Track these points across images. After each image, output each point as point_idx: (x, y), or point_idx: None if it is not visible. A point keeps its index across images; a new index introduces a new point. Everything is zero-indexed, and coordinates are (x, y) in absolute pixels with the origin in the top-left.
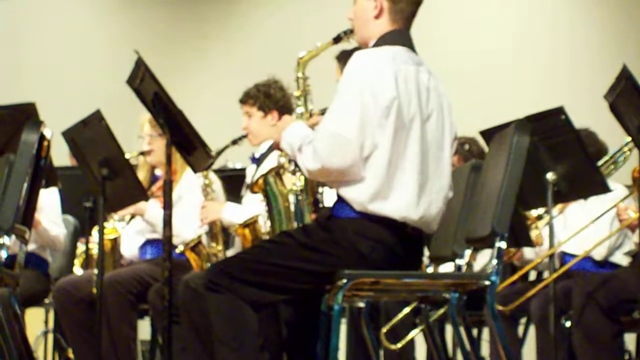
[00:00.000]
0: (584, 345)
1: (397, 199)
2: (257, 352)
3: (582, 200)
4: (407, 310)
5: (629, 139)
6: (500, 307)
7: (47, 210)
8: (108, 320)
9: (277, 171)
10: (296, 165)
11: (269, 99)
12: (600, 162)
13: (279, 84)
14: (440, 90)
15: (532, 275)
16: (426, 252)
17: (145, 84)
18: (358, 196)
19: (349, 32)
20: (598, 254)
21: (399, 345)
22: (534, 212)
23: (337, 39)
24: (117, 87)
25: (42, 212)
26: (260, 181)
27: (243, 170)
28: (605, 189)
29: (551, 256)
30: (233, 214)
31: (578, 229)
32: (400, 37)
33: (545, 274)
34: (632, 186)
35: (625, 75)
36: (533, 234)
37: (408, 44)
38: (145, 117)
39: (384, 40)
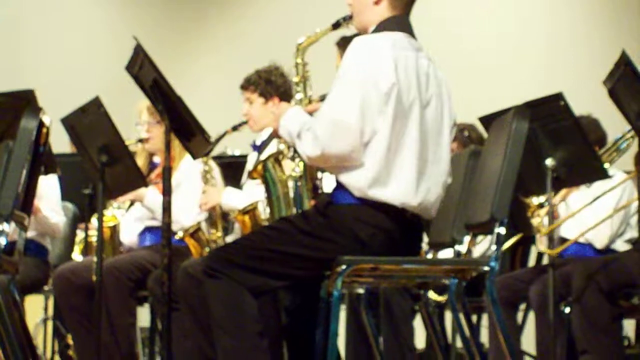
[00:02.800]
0: (583, 329)
1: (396, 185)
2: (256, 338)
3: (585, 188)
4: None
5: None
6: (548, 251)
7: (46, 198)
8: (107, 307)
9: (276, 157)
10: (295, 151)
11: (270, 85)
12: (603, 150)
13: (280, 70)
14: (440, 76)
15: (532, 261)
16: (425, 238)
17: (144, 71)
18: (357, 182)
19: (348, 18)
20: (600, 242)
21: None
22: (535, 200)
23: (336, 25)
24: (116, 74)
25: (42, 199)
26: (259, 167)
27: (242, 157)
28: (604, 175)
29: (550, 239)
30: (232, 198)
31: (579, 216)
32: (399, 23)
33: (545, 260)
34: (633, 171)
35: (624, 61)
36: (535, 221)
37: (408, 30)
38: (143, 104)
39: (384, 26)
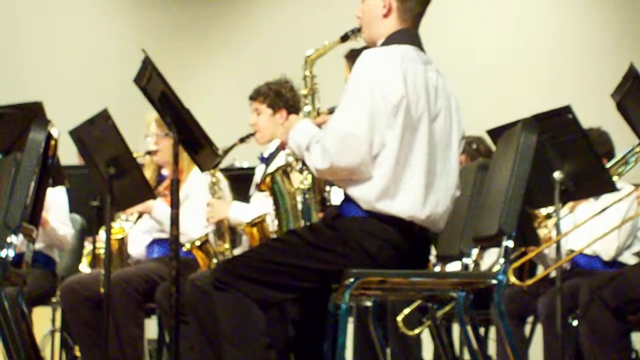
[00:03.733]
0: (591, 344)
1: (405, 198)
2: (264, 350)
3: (593, 200)
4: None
5: None
6: (518, 282)
7: (55, 210)
8: (115, 319)
9: (285, 169)
10: (304, 164)
11: (279, 97)
12: (611, 162)
13: (289, 84)
14: (448, 89)
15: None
16: (433, 251)
17: (152, 83)
18: (366, 195)
19: (357, 31)
20: (606, 255)
21: (416, 331)
22: (543, 211)
23: (344, 38)
24: (124, 86)
25: (50, 211)
26: (268, 180)
27: (250, 169)
28: (612, 188)
29: (557, 252)
30: (239, 212)
31: (586, 228)
32: (408, 36)
33: (553, 273)
34: None
35: (632, 74)
36: (542, 232)
37: (416, 43)
38: (152, 116)
39: (393, 39)
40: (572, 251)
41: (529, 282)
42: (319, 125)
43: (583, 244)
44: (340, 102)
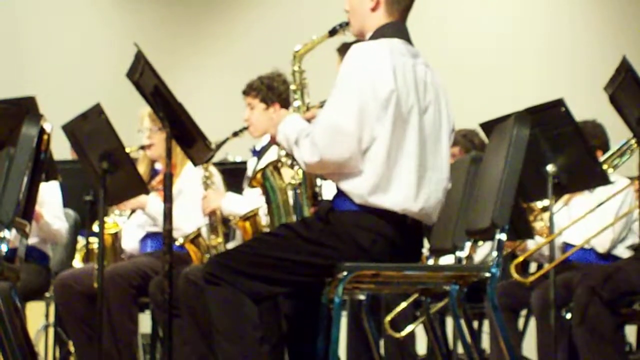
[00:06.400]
0: (585, 338)
1: (397, 191)
2: (257, 344)
3: (588, 192)
4: (409, 300)
5: None
6: (521, 279)
7: (49, 204)
8: (109, 314)
9: (276, 165)
10: (294, 158)
11: (272, 91)
12: (606, 155)
13: (282, 77)
14: (437, 82)
15: (533, 268)
16: (426, 244)
17: (145, 78)
18: (358, 189)
19: (345, 25)
20: (601, 247)
21: (402, 334)
22: (539, 204)
23: (332, 32)
24: (117, 81)
25: (44, 206)
26: (259, 175)
27: (244, 163)
28: (605, 180)
29: (551, 246)
30: (233, 203)
31: (581, 221)
32: (397, 29)
33: (547, 266)
34: (635, 177)
35: (625, 67)
36: (538, 225)
37: (405, 36)
38: (145, 111)
39: (381, 32)
40: (566, 243)
41: (531, 278)
42: (309, 120)
43: (577, 236)
44: (330, 96)
